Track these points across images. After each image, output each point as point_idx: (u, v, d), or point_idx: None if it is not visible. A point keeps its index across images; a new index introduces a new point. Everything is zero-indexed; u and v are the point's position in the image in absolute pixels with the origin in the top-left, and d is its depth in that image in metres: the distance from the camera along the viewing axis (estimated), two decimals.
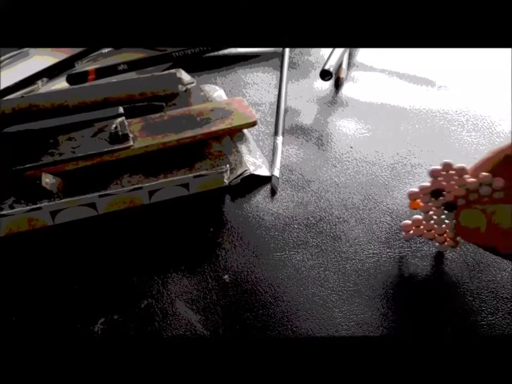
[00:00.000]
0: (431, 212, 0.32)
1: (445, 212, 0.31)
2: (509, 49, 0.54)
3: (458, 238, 0.32)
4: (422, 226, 0.33)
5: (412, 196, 0.32)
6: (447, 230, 0.32)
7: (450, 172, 0.30)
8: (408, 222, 0.33)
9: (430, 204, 0.32)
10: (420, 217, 0.33)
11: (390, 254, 0.33)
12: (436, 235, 0.32)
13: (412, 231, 0.33)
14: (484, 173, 0.29)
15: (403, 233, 0.33)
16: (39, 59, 0.51)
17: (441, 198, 0.31)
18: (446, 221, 0.32)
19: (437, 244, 0.33)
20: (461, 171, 0.30)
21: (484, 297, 0.31)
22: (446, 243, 0.33)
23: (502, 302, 0.31)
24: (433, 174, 0.31)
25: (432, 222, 0.32)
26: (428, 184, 0.31)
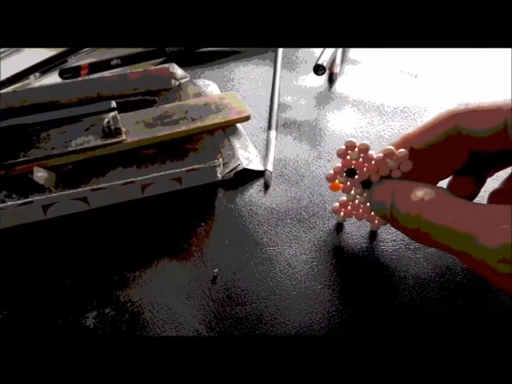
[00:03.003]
0: (352, 192, 0.33)
1: (365, 190, 0.32)
2: (508, 49, 0.54)
3: None
4: (349, 207, 0.34)
5: (330, 179, 0.33)
6: None
7: (356, 150, 0.31)
8: (337, 204, 0.34)
9: (348, 183, 0.32)
10: (345, 198, 0.33)
11: (383, 247, 0.33)
12: (365, 214, 0.33)
13: (342, 213, 0.34)
14: (388, 147, 0.30)
15: (336, 215, 0.35)
16: (32, 51, 0.51)
17: (356, 176, 0.31)
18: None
19: (369, 223, 0.34)
20: (364, 149, 0.30)
21: (476, 289, 0.31)
22: (376, 221, 0.33)
23: (494, 295, 0.31)
24: (339, 154, 0.31)
25: (357, 201, 0.33)
26: (340, 165, 0.32)
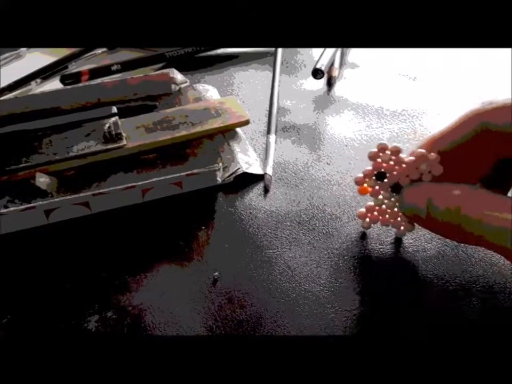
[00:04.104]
0: (380, 197, 0.33)
1: (394, 194, 0.32)
2: (508, 49, 0.54)
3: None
4: (375, 213, 0.33)
5: (359, 182, 0.33)
6: (401, 214, 0.32)
7: (387, 152, 0.31)
8: (363, 210, 0.34)
9: (377, 187, 0.32)
10: (372, 203, 0.33)
11: (381, 250, 0.34)
12: (391, 220, 0.33)
13: (368, 219, 0.34)
14: (420, 150, 0.30)
15: (361, 221, 0.34)
16: (33, 57, 0.52)
17: (385, 180, 0.31)
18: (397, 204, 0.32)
19: (394, 229, 0.34)
20: (396, 151, 0.30)
21: (474, 291, 0.31)
22: (402, 228, 0.33)
23: (492, 296, 0.31)
24: (371, 157, 0.31)
25: (384, 207, 0.33)
26: (370, 168, 0.32)
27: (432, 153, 0.30)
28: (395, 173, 0.31)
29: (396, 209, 0.32)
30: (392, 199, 0.32)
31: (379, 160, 0.31)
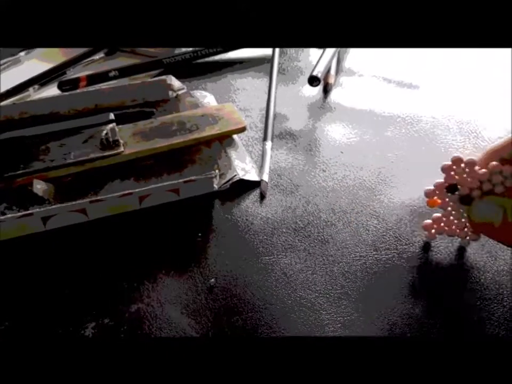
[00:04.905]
0: (449, 208, 0.33)
1: (462, 205, 0.32)
2: (508, 49, 0.55)
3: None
4: (442, 224, 0.34)
5: (429, 194, 0.33)
6: (467, 224, 0.33)
7: (461, 165, 0.31)
8: (429, 221, 0.34)
9: (447, 199, 0.32)
10: (439, 215, 0.34)
11: (376, 256, 0.34)
12: (457, 230, 0.33)
13: (433, 230, 0.34)
14: (494, 162, 0.30)
15: (426, 233, 0.34)
16: (31, 63, 0.52)
17: (456, 192, 0.32)
18: (465, 215, 0.32)
19: (459, 239, 0.34)
20: (471, 164, 0.31)
21: (467, 298, 0.32)
22: (467, 237, 0.33)
23: (485, 303, 0.31)
24: (444, 169, 0.32)
25: (451, 218, 0.33)
26: (441, 180, 0.32)
27: (507, 166, 0.30)
28: (468, 185, 0.31)
29: (463, 219, 0.33)
30: (461, 210, 0.32)
31: (452, 173, 0.32)
